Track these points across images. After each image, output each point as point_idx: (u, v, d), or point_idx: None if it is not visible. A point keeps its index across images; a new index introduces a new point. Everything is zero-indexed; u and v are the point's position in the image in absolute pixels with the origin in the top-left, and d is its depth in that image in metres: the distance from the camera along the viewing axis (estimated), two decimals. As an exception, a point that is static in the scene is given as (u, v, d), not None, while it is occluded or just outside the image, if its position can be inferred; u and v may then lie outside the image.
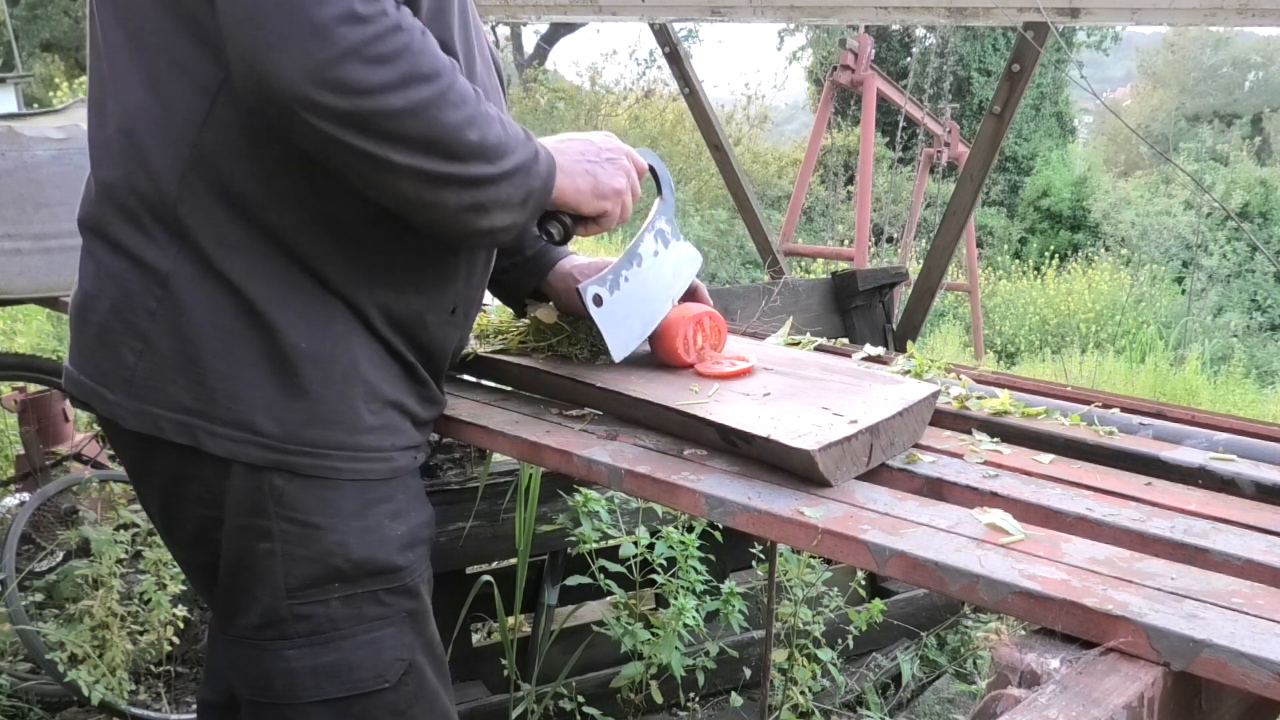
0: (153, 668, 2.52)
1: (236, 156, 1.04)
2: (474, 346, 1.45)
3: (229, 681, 1.24)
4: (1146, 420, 1.29)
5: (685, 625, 2.22)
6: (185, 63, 1.02)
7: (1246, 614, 0.80)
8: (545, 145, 1.15)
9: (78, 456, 3.01)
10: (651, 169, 1.33)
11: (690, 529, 2.33)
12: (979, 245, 15.94)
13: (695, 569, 2.28)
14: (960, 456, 1.18)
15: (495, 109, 1.06)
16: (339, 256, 1.09)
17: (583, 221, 1.23)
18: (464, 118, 0.99)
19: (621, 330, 1.30)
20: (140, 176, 1.05)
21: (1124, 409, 1.35)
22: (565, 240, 1.24)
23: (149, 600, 2.33)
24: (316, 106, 0.92)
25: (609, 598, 2.32)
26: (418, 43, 0.95)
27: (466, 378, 1.47)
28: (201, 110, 1.02)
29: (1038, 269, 15.96)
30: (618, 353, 1.30)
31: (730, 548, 2.51)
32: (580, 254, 1.46)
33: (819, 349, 1.63)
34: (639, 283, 1.33)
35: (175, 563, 2.35)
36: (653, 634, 2.21)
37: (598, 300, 1.28)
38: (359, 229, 1.10)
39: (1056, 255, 16.72)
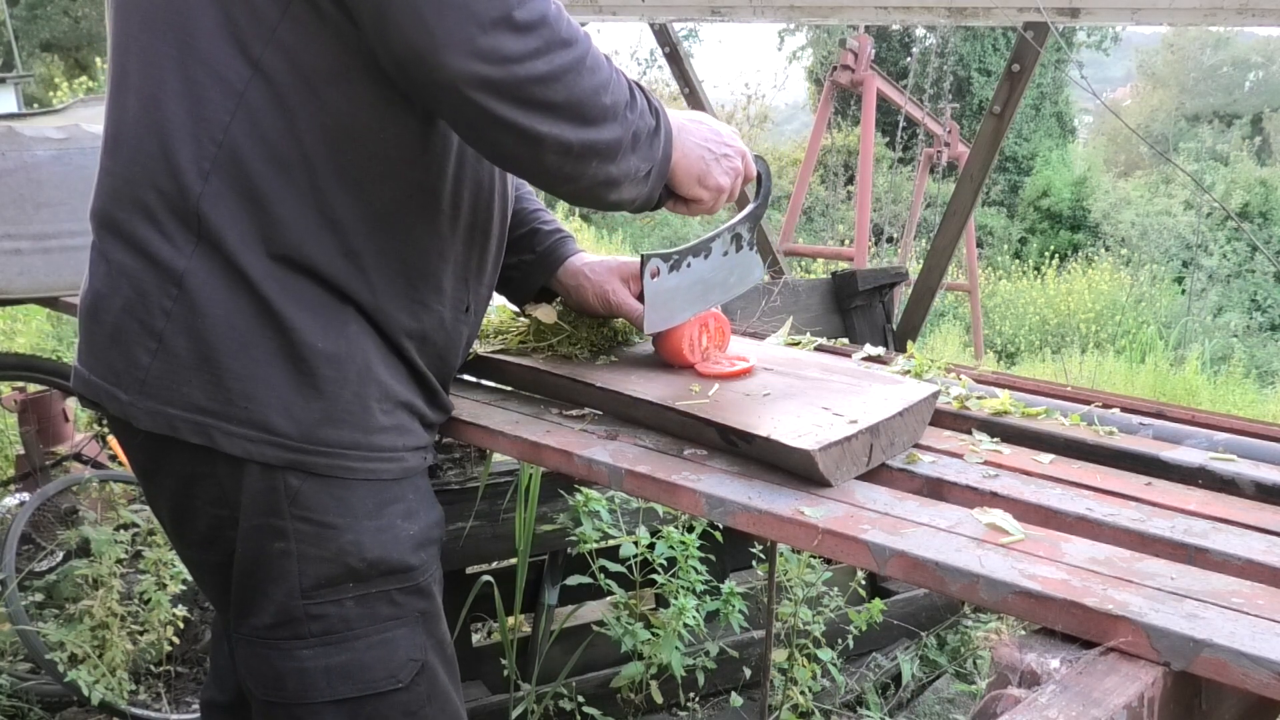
0: (153, 668, 2.53)
1: (261, 156, 1.03)
2: (474, 347, 1.45)
3: (237, 682, 1.23)
4: (1146, 420, 1.29)
5: (685, 625, 2.22)
6: (214, 60, 1.02)
7: (1246, 614, 0.80)
8: (675, 120, 1.19)
9: (78, 456, 3.01)
10: (759, 176, 1.35)
11: (690, 529, 2.33)
12: (979, 245, 15.94)
13: (695, 569, 2.28)
14: (960, 456, 1.18)
15: (628, 77, 1.11)
16: (360, 254, 1.10)
17: (674, 198, 1.24)
18: (599, 82, 1.04)
19: (662, 309, 1.33)
20: (161, 172, 1.04)
21: (1124, 409, 1.35)
22: (649, 207, 1.27)
23: (149, 600, 2.33)
24: (474, 79, 0.96)
25: (609, 598, 2.32)
26: (553, 12, 1.00)
27: (466, 378, 1.47)
28: (229, 109, 1.02)
29: (1038, 269, 15.96)
30: (649, 328, 1.33)
31: (730, 548, 2.51)
32: (588, 252, 1.47)
33: (819, 349, 1.63)
34: (698, 273, 1.35)
35: (176, 563, 2.35)
36: (653, 634, 2.21)
37: (655, 273, 1.30)
38: (379, 226, 1.11)
39: (1056, 255, 16.72)
